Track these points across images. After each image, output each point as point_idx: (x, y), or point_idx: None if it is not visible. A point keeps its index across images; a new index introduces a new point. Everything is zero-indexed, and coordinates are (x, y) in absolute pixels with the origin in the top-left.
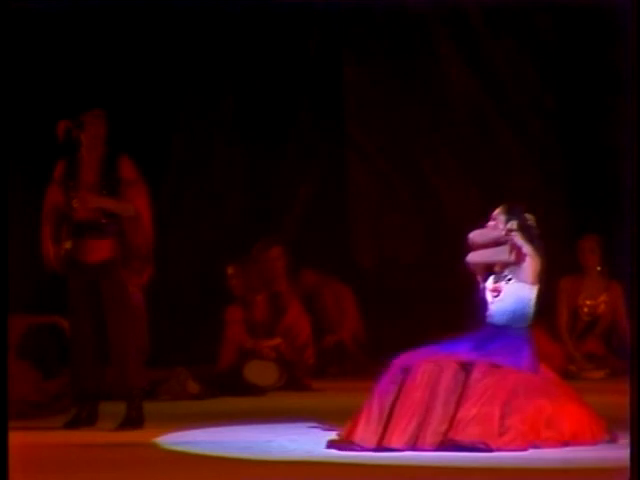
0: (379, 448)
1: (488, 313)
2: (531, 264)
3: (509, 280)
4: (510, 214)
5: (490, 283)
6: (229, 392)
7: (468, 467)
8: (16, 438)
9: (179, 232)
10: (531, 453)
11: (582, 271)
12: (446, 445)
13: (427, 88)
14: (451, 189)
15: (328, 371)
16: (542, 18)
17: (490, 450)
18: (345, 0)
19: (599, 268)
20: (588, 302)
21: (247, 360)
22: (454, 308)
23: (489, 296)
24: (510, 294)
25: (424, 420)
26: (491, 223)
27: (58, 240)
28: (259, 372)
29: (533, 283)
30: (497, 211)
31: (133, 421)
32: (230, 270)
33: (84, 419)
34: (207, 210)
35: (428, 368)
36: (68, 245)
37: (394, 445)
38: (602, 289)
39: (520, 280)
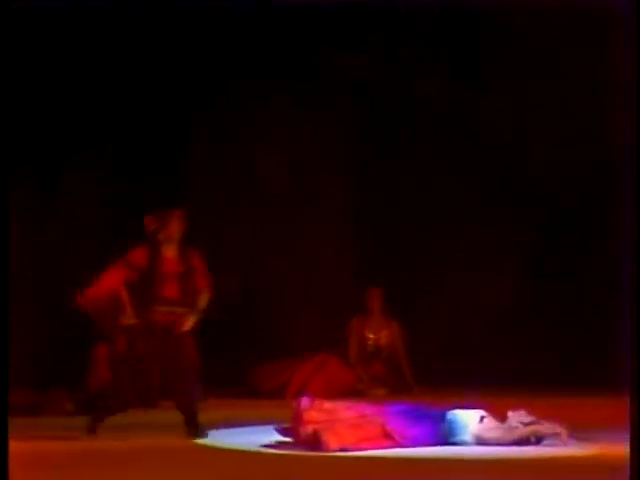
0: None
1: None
2: None
3: None
4: None
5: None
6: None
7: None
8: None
9: (64, 278)
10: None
11: (368, 312)
12: None
13: (248, 168)
14: (266, 248)
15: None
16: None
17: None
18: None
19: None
20: (372, 336)
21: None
22: (265, 340)
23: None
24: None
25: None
26: None
27: (139, 306)
28: None
29: None
30: None
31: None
32: None
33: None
34: (84, 264)
35: None
36: (154, 315)
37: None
38: (383, 327)
39: None
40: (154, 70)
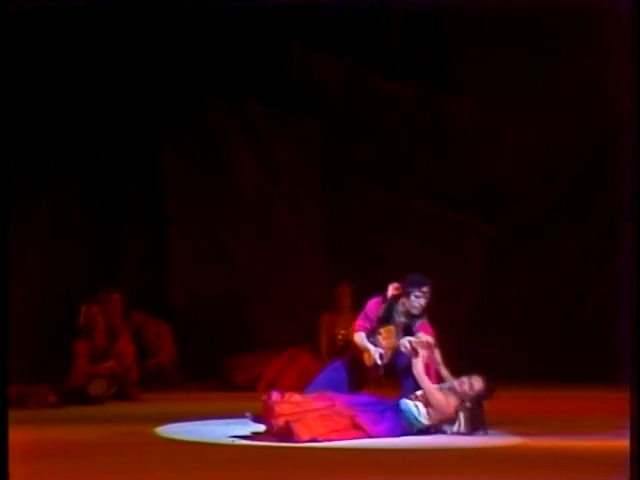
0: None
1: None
2: None
3: None
4: None
5: None
6: (78, 403)
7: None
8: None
9: (48, 281)
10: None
11: (338, 309)
12: None
13: (225, 174)
14: (243, 250)
15: (151, 386)
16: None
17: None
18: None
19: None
20: (342, 332)
21: (90, 380)
22: (244, 337)
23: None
24: None
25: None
26: None
27: None
28: (98, 388)
29: None
30: None
31: None
32: (83, 309)
33: None
34: (68, 267)
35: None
36: None
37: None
38: (352, 323)
39: None
40: (150, 70)
